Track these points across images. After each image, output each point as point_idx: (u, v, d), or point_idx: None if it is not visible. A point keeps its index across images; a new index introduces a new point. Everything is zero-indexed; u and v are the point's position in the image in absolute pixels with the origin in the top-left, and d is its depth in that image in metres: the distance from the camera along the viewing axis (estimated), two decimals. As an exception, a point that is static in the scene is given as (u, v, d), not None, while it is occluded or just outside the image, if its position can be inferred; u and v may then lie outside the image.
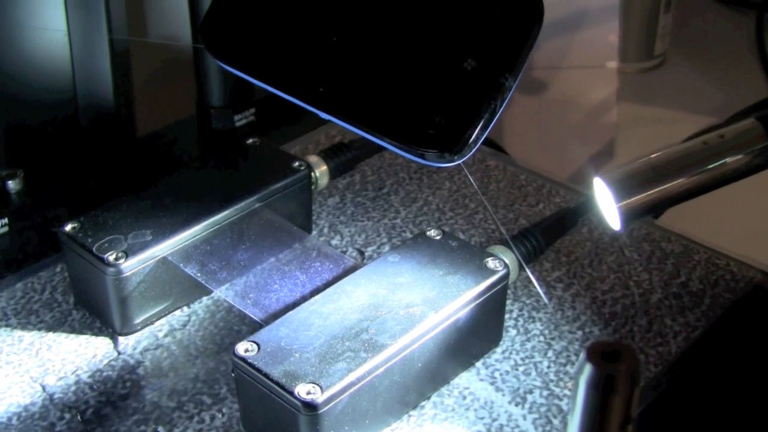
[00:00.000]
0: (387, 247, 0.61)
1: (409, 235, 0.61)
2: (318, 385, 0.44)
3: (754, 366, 0.53)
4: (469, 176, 0.54)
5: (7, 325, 0.56)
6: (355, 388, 0.45)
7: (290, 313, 0.49)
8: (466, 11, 0.47)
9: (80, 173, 0.69)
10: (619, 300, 0.56)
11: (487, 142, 0.71)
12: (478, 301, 0.50)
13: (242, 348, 0.47)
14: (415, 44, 0.48)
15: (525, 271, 0.55)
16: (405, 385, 0.48)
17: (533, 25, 0.46)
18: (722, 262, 0.58)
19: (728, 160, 0.46)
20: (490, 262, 0.51)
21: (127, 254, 0.53)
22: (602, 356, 0.31)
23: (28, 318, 0.56)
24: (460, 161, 0.47)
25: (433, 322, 0.48)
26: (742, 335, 0.55)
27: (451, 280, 0.50)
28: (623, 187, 0.45)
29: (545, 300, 0.55)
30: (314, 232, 0.62)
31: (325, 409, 0.44)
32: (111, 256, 0.53)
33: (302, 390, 0.44)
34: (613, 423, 0.32)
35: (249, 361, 0.46)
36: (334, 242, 0.61)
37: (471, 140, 0.46)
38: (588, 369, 0.32)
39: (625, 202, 0.45)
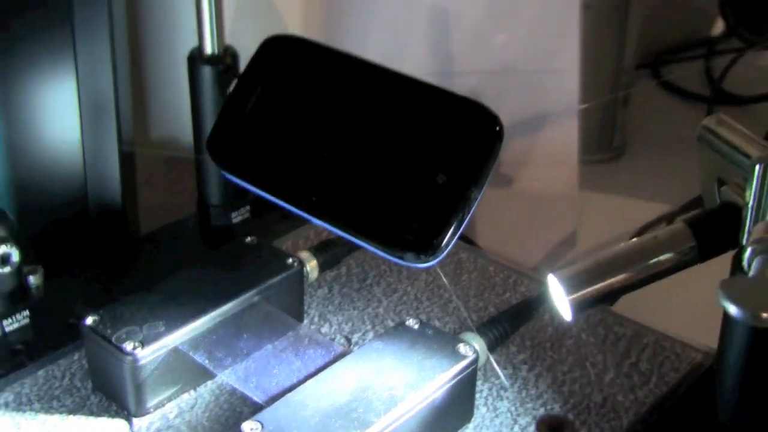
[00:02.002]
0: (371, 334, 0.68)
1: (390, 323, 0.69)
2: (314, 460, 0.51)
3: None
4: (441, 274, 0.61)
5: (31, 410, 0.62)
6: (347, 461, 0.52)
7: (288, 395, 0.56)
8: (437, 133, 0.55)
9: (92, 268, 0.76)
10: (577, 379, 0.64)
11: (461, 237, 0.78)
12: (451, 383, 0.57)
13: (247, 427, 0.53)
14: (394, 161, 0.56)
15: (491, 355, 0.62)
16: (390, 458, 0.55)
17: (495, 143, 0.54)
18: (668, 344, 0.66)
19: (660, 258, 0.53)
20: (462, 348, 0.59)
21: (143, 344, 0.60)
22: (549, 429, 0.39)
23: (50, 402, 0.63)
24: (434, 263, 0.55)
25: (412, 402, 0.55)
26: (685, 409, 0.62)
27: (427, 365, 0.58)
28: (572, 283, 0.53)
29: (506, 383, 0.62)
30: (306, 321, 0.69)
31: (320, 481, 0.51)
32: (128, 346, 0.60)
33: (301, 464, 0.51)
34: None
35: (254, 438, 0.53)
36: (323, 329, 0.69)
37: (442, 245, 0.54)
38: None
39: (574, 296, 0.53)
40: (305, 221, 0.81)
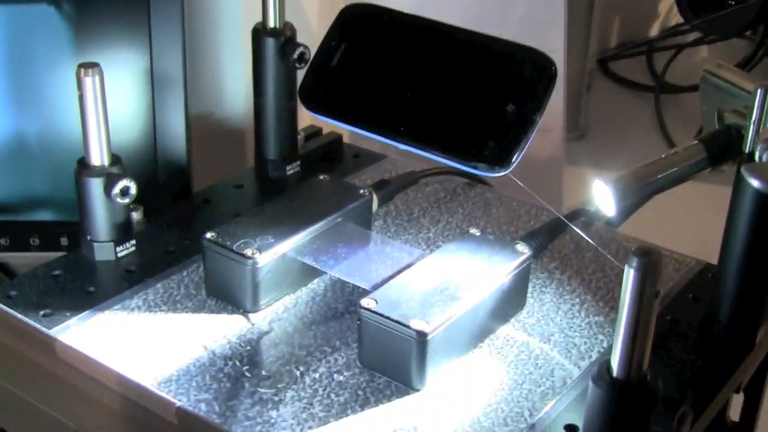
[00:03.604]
0: (428, 252, 0.83)
1: (441, 244, 0.84)
2: (425, 320, 0.66)
3: (700, 319, 0.76)
4: (518, 182, 0.76)
5: (161, 310, 0.75)
6: (448, 323, 0.67)
7: (391, 281, 0.70)
8: (506, 73, 0.70)
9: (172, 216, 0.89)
10: (601, 279, 0.79)
11: (483, 182, 0.94)
12: (514, 272, 0.72)
13: (365, 302, 0.68)
14: (470, 96, 0.71)
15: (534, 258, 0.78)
16: (472, 328, 0.70)
17: (551, 80, 0.70)
18: (668, 254, 0.82)
19: (682, 166, 0.70)
20: (519, 247, 0.74)
21: (260, 250, 0.74)
22: (642, 253, 0.54)
23: (174, 305, 0.76)
24: (506, 172, 0.70)
25: (488, 285, 0.70)
26: (688, 300, 0.78)
27: (495, 259, 0.73)
28: (618, 185, 0.69)
29: (589, 240, 0.78)
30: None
31: (431, 336, 0.66)
32: (249, 252, 0.73)
33: (415, 324, 0.66)
34: (649, 295, 0.54)
35: (373, 309, 0.67)
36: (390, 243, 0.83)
37: (515, 158, 0.69)
38: (635, 260, 0.54)
39: (619, 195, 0.69)
40: (347, 174, 0.96)
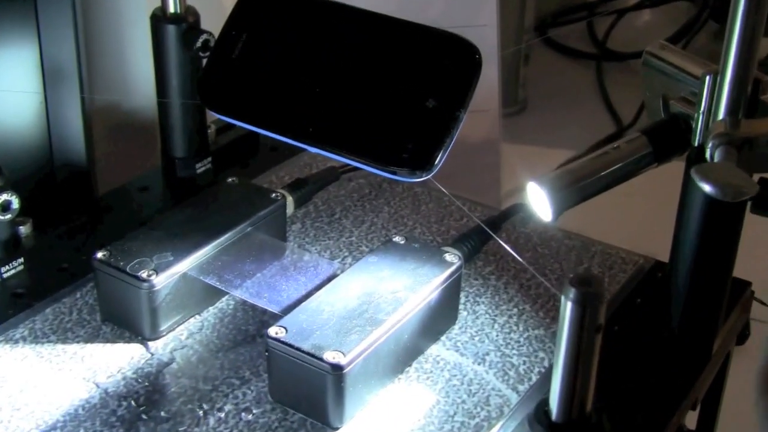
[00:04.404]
0: (349, 259, 0.75)
1: (365, 249, 0.76)
2: (341, 351, 0.58)
3: (650, 325, 0.69)
4: (440, 186, 0.68)
5: (48, 341, 0.67)
6: (367, 352, 0.59)
7: (303, 304, 0.62)
8: (424, 63, 0.62)
9: (68, 222, 0.80)
10: (540, 284, 0.72)
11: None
12: (443, 285, 0.65)
13: (273, 331, 0.60)
14: (385, 90, 0.62)
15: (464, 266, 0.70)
16: (396, 353, 0.62)
17: (476, 70, 0.62)
18: (613, 251, 0.75)
19: (623, 164, 0.62)
20: (448, 257, 0.66)
21: (157, 271, 0.65)
22: (579, 282, 0.47)
23: (65, 334, 0.68)
24: (429, 176, 0.62)
25: (414, 302, 0.63)
26: (636, 306, 0.71)
27: (421, 271, 0.65)
28: (553, 187, 0.61)
29: (518, 258, 0.70)
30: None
31: (348, 369, 0.58)
32: (144, 273, 0.65)
33: (329, 356, 0.58)
34: (590, 329, 0.47)
35: (282, 339, 0.59)
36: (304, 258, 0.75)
37: (437, 161, 0.61)
38: (571, 291, 0.47)
39: (554, 198, 0.61)
40: (263, 170, 0.87)
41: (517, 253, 0.74)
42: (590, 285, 0.47)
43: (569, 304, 0.47)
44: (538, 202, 0.62)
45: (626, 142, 0.63)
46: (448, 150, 0.61)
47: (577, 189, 0.62)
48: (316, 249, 0.76)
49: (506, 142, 1.17)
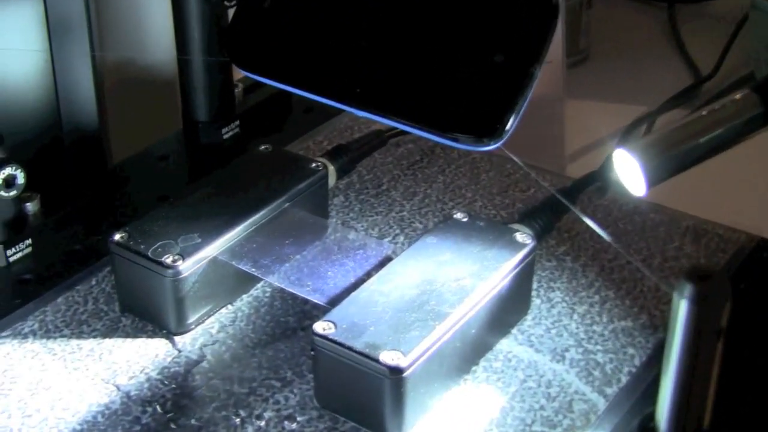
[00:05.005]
0: (402, 238, 0.66)
1: (419, 226, 0.66)
2: (400, 351, 0.49)
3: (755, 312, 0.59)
4: (517, 161, 0.58)
5: (62, 336, 0.58)
6: (430, 352, 0.50)
7: (353, 294, 0.53)
8: (490, 12, 0.53)
9: (81, 197, 0.71)
10: (625, 266, 0.62)
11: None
12: (515, 271, 0.55)
13: (320, 327, 0.51)
14: (444, 44, 0.53)
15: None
16: (463, 350, 0.53)
17: (552, 19, 0.52)
18: (708, 227, 0.65)
19: (730, 125, 0.52)
20: (519, 237, 0.57)
21: (183, 256, 0.56)
22: (698, 278, 0.37)
23: (80, 328, 0.59)
24: (498, 145, 0.52)
25: (482, 291, 0.53)
26: (740, 292, 0.61)
27: (488, 254, 0.56)
28: (646, 155, 0.51)
29: (605, 235, 0.61)
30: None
31: (408, 372, 0.49)
32: (168, 259, 0.56)
33: (386, 357, 0.49)
34: (709, 332, 0.38)
35: (330, 337, 0.50)
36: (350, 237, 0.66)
37: (509, 126, 0.52)
38: (688, 287, 0.37)
39: (649, 168, 0.51)
40: (299, 135, 0.78)
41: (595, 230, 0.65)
42: (710, 279, 0.37)
43: (685, 303, 0.38)
44: (628, 172, 0.53)
45: (731, 100, 0.53)
46: (520, 113, 0.52)
47: (674, 156, 0.52)
48: (362, 227, 0.67)
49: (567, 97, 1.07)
